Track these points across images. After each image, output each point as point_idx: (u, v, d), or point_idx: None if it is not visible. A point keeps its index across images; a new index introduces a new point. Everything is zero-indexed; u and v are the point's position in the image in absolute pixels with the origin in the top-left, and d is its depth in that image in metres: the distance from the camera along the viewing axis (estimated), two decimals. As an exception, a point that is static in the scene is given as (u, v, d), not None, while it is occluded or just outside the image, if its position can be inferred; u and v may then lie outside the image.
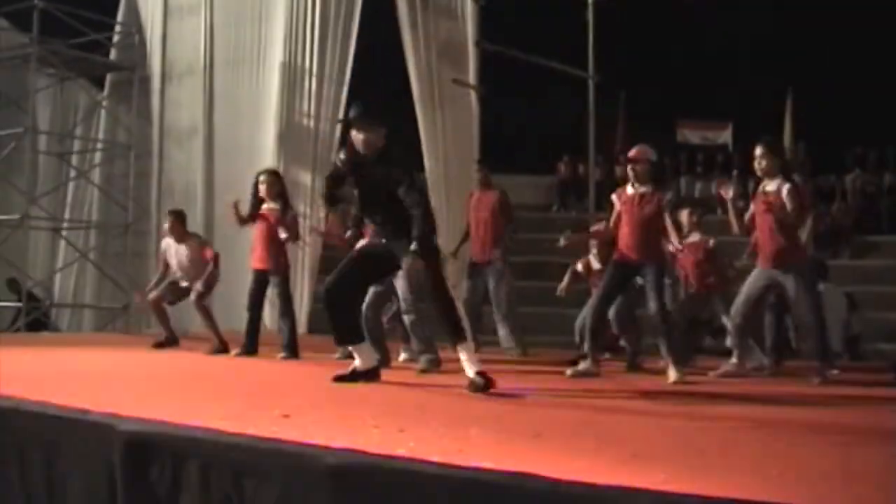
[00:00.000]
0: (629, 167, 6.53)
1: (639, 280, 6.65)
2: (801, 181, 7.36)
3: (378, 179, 5.33)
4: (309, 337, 9.92)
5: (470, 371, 5.09)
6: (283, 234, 7.59)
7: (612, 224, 6.66)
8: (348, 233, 6.58)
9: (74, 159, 14.39)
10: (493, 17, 11.88)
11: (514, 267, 9.09)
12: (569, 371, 6.49)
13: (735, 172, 16.66)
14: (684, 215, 7.60)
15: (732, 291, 7.11)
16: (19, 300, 12.73)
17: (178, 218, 8.62)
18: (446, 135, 11.66)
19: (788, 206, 6.31)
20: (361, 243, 6.23)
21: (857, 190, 15.55)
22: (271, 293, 7.92)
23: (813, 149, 15.60)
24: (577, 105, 12.74)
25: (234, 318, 8.65)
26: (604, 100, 12.91)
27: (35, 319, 12.94)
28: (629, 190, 6.50)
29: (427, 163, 11.51)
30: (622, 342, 7.60)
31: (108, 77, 14.50)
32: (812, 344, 6.81)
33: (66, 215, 14.36)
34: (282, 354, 7.45)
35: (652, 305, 6.29)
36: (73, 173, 14.29)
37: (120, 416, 3.46)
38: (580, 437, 3.52)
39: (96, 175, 14.28)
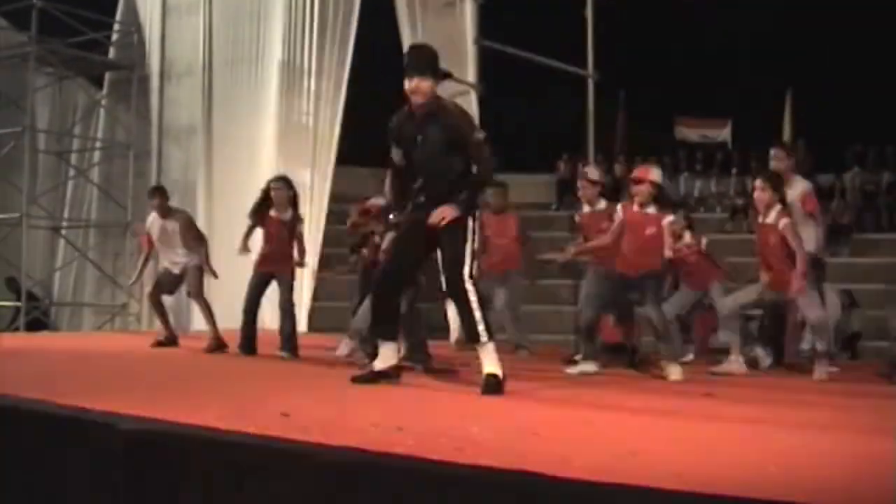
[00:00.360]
0: (633, 187, 6.53)
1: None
2: (809, 187, 7.37)
3: (431, 134, 5.09)
4: (309, 336, 9.91)
5: (485, 370, 4.97)
6: (301, 261, 7.77)
7: (612, 238, 6.61)
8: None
9: (73, 158, 14.41)
10: (492, 16, 11.87)
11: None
12: (568, 369, 6.50)
13: (734, 170, 16.71)
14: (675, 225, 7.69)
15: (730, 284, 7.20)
16: (18, 299, 12.73)
17: (163, 193, 8.64)
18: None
19: (790, 241, 6.38)
20: (402, 219, 5.63)
21: (857, 188, 15.56)
22: (272, 292, 7.92)
23: (812, 147, 15.59)
24: (577, 103, 12.73)
25: (237, 318, 8.64)
26: (603, 98, 12.91)
27: (34, 318, 12.96)
28: (635, 208, 6.49)
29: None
30: (622, 340, 7.60)
31: (107, 76, 14.52)
32: (813, 341, 6.84)
33: (66, 214, 14.38)
34: (281, 353, 7.44)
35: (653, 315, 6.34)
36: (72, 172, 14.30)
37: (120, 414, 3.46)
38: (579, 435, 3.52)
39: (95, 174, 14.30)
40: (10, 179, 13.08)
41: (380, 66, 12.40)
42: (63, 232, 14.19)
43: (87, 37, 13.63)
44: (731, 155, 17.22)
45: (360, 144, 13.10)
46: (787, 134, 16.33)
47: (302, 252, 7.81)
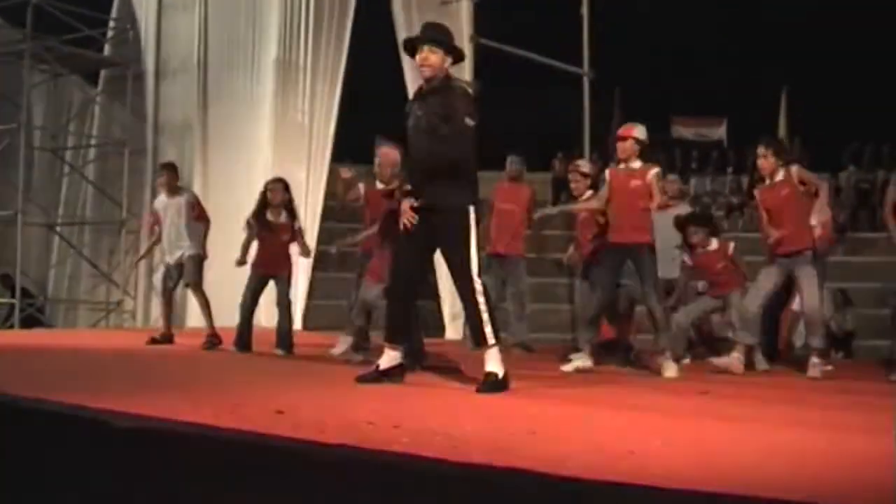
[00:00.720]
0: (617, 144, 6.54)
1: (624, 281, 6.69)
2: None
3: (428, 111, 4.91)
4: (304, 333, 9.91)
5: (486, 368, 4.91)
6: (301, 254, 7.84)
7: (599, 202, 6.66)
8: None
9: (68, 155, 14.37)
10: (488, 14, 11.88)
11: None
12: (564, 367, 6.50)
13: (730, 169, 16.73)
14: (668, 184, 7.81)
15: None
16: (13, 296, 12.71)
17: (172, 170, 8.61)
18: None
19: (808, 179, 6.68)
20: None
21: (852, 187, 15.58)
22: (269, 290, 7.92)
23: (807, 145, 15.60)
24: (573, 102, 12.75)
25: (232, 316, 8.63)
26: (599, 96, 12.92)
27: (29, 315, 12.92)
28: (620, 167, 6.51)
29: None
30: (616, 337, 7.60)
31: (102, 73, 14.48)
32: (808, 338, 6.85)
33: (60, 211, 14.35)
34: (277, 350, 7.45)
35: (653, 306, 6.30)
36: (67, 169, 14.27)
37: (114, 411, 3.45)
38: (575, 433, 3.52)
39: (90, 171, 14.27)
40: (4, 176, 13.04)
41: (375, 64, 12.44)
42: (58, 229, 14.16)
43: (82, 34, 13.59)
44: (726, 153, 17.26)
45: (355, 143, 13.12)
46: (782, 132, 16.34)
47: (303, 246, 7.83)
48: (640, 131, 6.52)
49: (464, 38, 11.67)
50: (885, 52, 15.94)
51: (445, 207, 4.95)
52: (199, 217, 8.31)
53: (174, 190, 8.45)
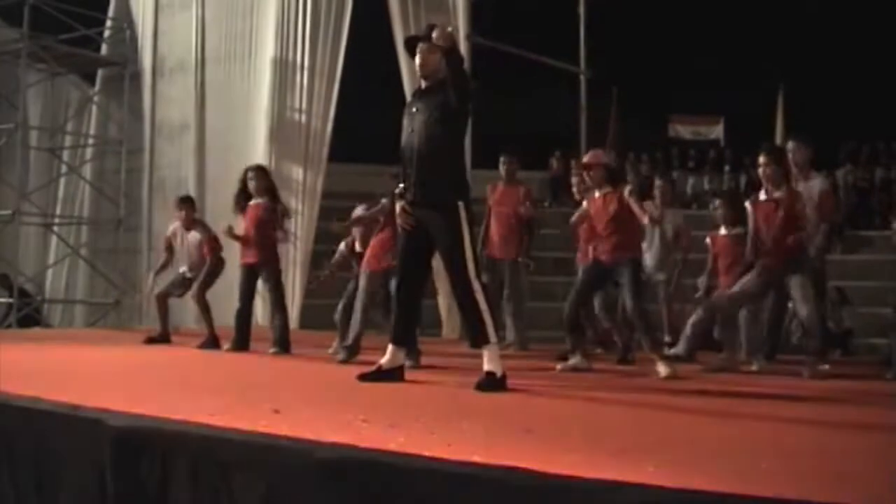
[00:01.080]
0: (585, 174, 6.57)
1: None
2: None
3: (425, 110, 4.95)
4: (300, 332, 9.90)
5: (484, 367, 4.93)
6: (281, 238, 7.81)
7: (572, 226, 6.95)
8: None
9: (66, 155, 14.36)
10: (484, 12, 11.86)
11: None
12: (559, 366, 6.50)
13: (727, 168, 16.73)
14: (656, 193, 7.90)
15: None
16: (11, 296, 12.70)
17: (191, 205, 8.69)
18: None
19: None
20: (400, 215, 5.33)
21: (849, 185, 15.58)
22: (262, 288, 7.93)
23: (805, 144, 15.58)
24: (570, 101, 12.74)
25: (230, 315, 8.63)
26: (596, 95, 12.92)
27: (26, 315, 12.91)
28: (596, 195, 6.53)
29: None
30: (615, 337, 7.60)
31: (100, 72, 14.48)
32: (804, 338, 6.86)
33: (58, 211, 14.34)
34: (273, 349, 7.44)
35: (629, 304, 6.32)
36: (64, 169, 14.26)
37: (110, 410, 3.45)
38: (570, 432, 3.52)
39: (87, 171, 14.26)
40: (2, 176, 13.04)
41: (373, 62, 12.43)
42: (55, 228, 14.15)
43: (79, 33, 13.60)
44: (723, 152, 17.27)
45: (353, 141, 13.11)
46: (779, 131, 16.35)
47: (284, 231, 7.93)
48: (605, 156, 6.66)
49: (460, 37, 11.66)
50: (882, 50, 15.95)
51: (437, 204, 4.99)
52: (212, 250, 8.34)
53: (191, 224, 8.53)
